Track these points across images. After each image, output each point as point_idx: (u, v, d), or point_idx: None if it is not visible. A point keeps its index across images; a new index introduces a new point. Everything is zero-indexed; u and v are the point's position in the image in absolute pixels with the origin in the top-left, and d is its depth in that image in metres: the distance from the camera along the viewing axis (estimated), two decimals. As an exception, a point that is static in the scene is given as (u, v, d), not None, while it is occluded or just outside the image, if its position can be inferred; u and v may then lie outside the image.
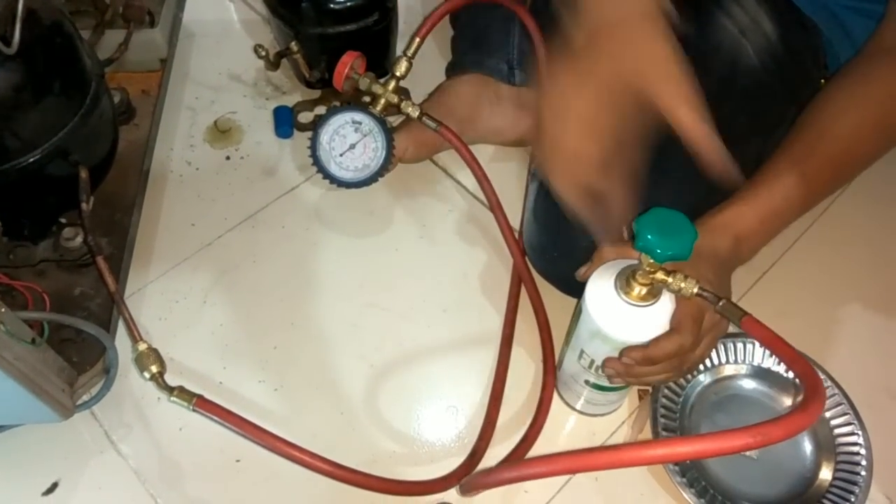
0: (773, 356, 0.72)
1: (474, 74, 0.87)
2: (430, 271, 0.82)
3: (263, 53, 0.85)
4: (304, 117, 0.93)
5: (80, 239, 0.73)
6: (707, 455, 0.45)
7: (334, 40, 0.86)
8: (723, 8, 0.75)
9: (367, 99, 0.83)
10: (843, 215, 0.87)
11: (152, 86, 0.90)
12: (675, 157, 0.71)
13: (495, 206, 0.82)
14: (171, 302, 0.79)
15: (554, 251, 0.75)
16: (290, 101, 0.95)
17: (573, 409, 0.73)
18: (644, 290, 0.56)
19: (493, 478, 0.52)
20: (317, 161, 0.82)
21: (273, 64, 0.88)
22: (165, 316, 0.78)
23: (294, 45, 0.86)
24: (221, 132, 0.92)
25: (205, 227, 0.84)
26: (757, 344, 0.72)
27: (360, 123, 0.80)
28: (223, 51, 1.01)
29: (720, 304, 0.53)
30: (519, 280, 0.80)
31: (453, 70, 0.90)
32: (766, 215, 0.63)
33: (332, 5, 0.84)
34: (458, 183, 0.90)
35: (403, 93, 0.92)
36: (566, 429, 0.73)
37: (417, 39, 0.78)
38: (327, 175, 0.83)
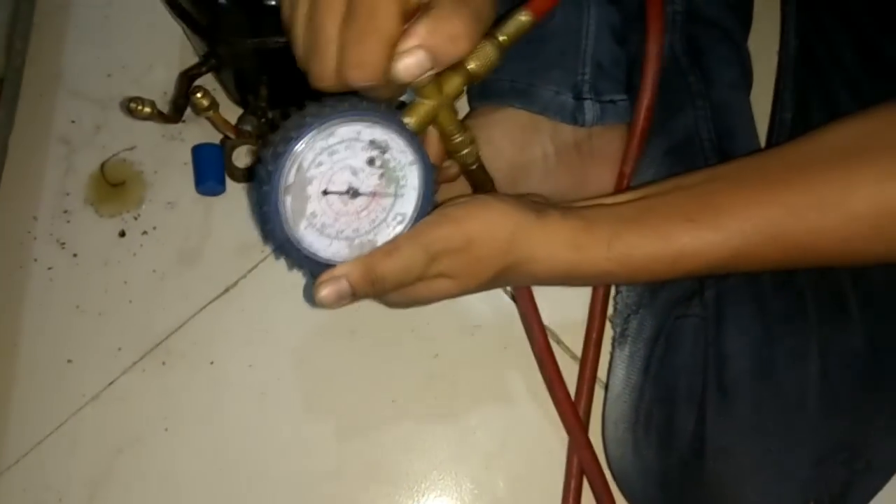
0: None
1: (517, 111, 0.52)
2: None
3: (144, 109, 0.47)
4: (242, 160, 0.58)
5: None
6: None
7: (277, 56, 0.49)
8: None
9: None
10: None
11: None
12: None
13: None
14: (37, 509, 0.51)
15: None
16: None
17: None
18: None
19: None
20: (265, 199, 0.34)
21: (169, 117, 0.51)
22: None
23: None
24: (112, 186, 0.59)
25: (87, 366, 0.55)
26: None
27: (381, 150, 0.35)
28: (112, 31, 0.64)
29: None
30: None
31: (483, 98, 0.54)
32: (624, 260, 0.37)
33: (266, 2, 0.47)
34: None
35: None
36: None
37: (523, 18, 0.38)
38: (276, 236, 0.35)
